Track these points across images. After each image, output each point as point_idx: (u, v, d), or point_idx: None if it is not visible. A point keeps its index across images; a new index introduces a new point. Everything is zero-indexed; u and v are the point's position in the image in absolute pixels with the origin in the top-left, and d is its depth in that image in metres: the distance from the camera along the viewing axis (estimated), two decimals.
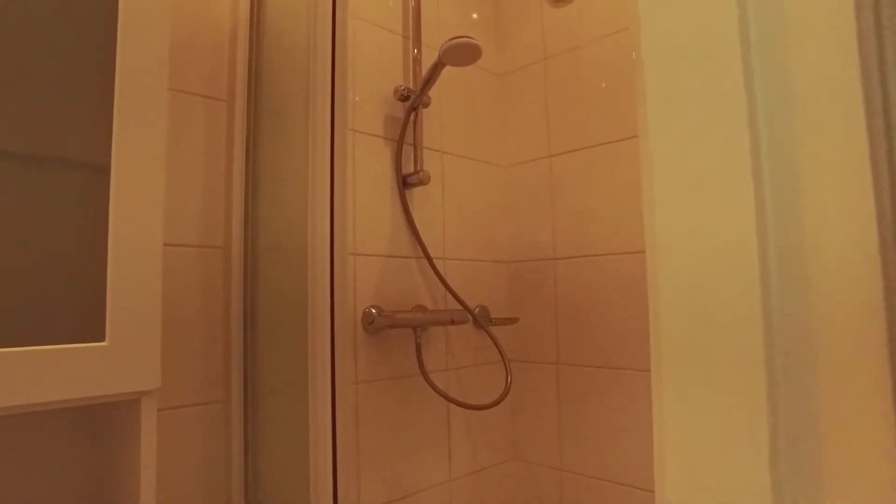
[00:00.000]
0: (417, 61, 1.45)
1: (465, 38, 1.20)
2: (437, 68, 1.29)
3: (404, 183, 1.40)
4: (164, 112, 0.71)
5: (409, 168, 1.42)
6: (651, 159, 0.36)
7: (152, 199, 0.69)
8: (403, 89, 1.40)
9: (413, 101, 1.38)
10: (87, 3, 0.70)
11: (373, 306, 1.31)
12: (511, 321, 1.60)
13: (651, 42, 0.37)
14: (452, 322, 1.38)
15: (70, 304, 0.69)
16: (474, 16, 1.69)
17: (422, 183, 1.38)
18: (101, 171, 0.66)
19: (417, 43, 1.45)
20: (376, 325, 1.26)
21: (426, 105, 1.46)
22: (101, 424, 0.78)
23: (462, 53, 1.22)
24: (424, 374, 1.36)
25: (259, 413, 1.05)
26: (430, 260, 1.41)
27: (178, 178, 1.04)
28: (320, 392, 0.88)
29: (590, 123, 1.51)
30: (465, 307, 1.43)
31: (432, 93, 1.50)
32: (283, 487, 1.00)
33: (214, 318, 1.06)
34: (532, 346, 1.61)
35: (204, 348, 1.05)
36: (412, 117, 1.41)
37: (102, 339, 0.64)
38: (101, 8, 0.69)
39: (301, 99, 0.94)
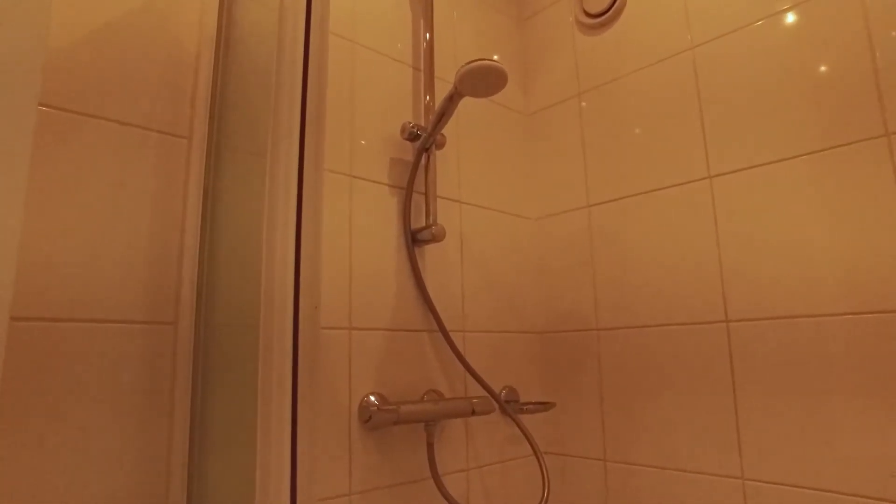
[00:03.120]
0: (430, 99, 1.22)
1: (486, 61, 0.97)
2: (452, 100, 1.06)
3: (414, 239, 1.15)
4: (26, 142, 0.48)
5: (419, 221, 1.17)
6: None
7: None
8: (413, 127, 1.17)
9: (424, 140, 1.14)
10: None
11: (373, 394, 1.04)
12: (546, 406, 1.31)
13: None
14: (473, 413, 1.10)
15: None
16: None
17: (435, 239, 1.13)
18: None
19: (429, 74, 1.23)
20: (375, 421, 0.98)
21: (440, 146, 1.22)
22: None
23: (482, 80, 0.99)
24: (437, 479, 1.07)
25: None
26: (445, 333, 1.14)
27: (119, 239, 0.81)
28: None
29: (638, 165, 1.26)
30: (490, 392, 1.15)
31: (448, 132, 1.27)
32: None
33: (157, 420, 0.81)
34: (572, 437, 1.33)
35: (137, 465, 0.79)
36: (423, 160, 1.17)
37: None
38: None
39: (269, 133, 0.71)
